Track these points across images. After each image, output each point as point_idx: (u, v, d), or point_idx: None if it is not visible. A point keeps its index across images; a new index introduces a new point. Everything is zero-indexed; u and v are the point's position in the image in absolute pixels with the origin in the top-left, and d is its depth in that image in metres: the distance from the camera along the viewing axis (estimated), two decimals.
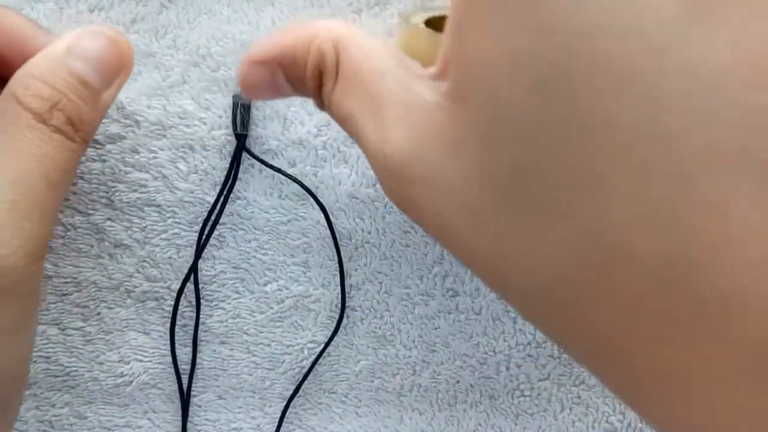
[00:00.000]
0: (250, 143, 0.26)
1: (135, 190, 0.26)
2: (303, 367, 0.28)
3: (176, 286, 0.27)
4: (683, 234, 0.12)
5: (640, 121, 0.12)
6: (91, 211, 0.26)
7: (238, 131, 0.25)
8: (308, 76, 0.18)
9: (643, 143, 0.12)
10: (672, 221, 0.12)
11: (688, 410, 0.13)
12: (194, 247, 0.27)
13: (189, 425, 0.28)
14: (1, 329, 0.20)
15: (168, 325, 0.27)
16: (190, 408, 0.28)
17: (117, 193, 0.26)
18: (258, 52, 0.18)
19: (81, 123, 0.21)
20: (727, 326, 0.12)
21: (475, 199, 0.14)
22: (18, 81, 0.20)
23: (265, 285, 0.27)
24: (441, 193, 0.15)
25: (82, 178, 0.26)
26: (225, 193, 0.26)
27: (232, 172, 0.26)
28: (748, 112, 0.11)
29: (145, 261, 0.27)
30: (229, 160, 0.26)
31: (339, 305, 0.28)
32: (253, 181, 0.27)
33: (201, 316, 0.27)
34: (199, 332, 0.27)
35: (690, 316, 0.12)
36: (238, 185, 0.26)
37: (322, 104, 0.18)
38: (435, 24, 0.20)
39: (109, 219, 0.26)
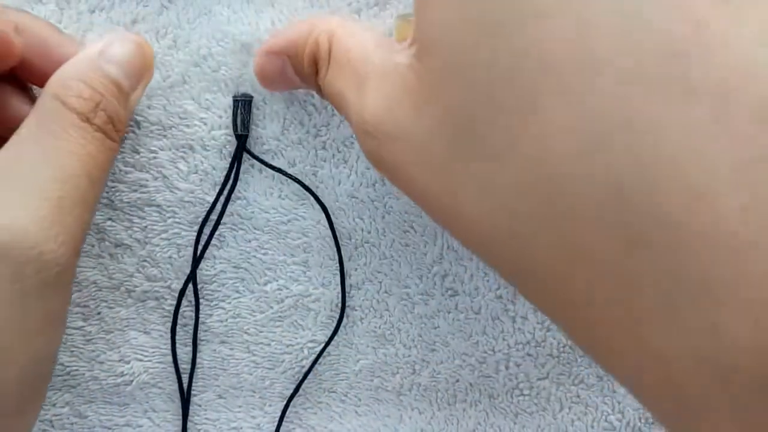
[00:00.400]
0: (250, 143, 0.26)
1: (135, 190, 0.26)
2: (303, 367, 0.28)
3: (176, 285, 0.27)
4: (617, 160, 0.12)
5: (571, 51, 0.12)
6: None
7: (239, 131, 0.26)
8: (305, 64, 0.20)
9: (575, 72, 0.12)
10: (605, 147, 0.12)
11: (613, 338, 0.13)
12: (194, 246, 0.27)
13: (189, 424, 0.28)
14: (41, 324, 0.20)
15: (168, 324, 0.27)
16: (191, 407, 0.28)
17: (117, 193, 0.26)
18: (270, 44, 0.21)
19: (119, 122, 0.21)
20: (665, 253, 0.12)
21: (434, 150, 0.15)
22: (57, 83, 0.20)
23: (265, 284, 0.27)
24: (407, 149, 0.16)
25: None
26: (225, 193, 0.26)
27: (233, 172, 0.26)
28: (669, 41, 0.11)
29: (145, 261, 0.27)
30: (230, 160, 0.26)
31: (339, 305, 0.28)
32: (253, 181, 0.27)
33: (201, 315, 0.27)
34: (199, 332, 0.28)
35: (625, 244, 0.12)
36: (238, 185, 0.26)
37: (319, 89, 0.20)
38: None
39: (110, 219, 0.26)
